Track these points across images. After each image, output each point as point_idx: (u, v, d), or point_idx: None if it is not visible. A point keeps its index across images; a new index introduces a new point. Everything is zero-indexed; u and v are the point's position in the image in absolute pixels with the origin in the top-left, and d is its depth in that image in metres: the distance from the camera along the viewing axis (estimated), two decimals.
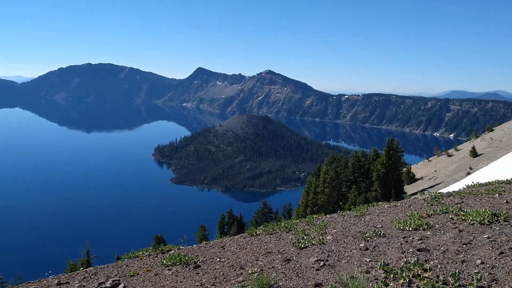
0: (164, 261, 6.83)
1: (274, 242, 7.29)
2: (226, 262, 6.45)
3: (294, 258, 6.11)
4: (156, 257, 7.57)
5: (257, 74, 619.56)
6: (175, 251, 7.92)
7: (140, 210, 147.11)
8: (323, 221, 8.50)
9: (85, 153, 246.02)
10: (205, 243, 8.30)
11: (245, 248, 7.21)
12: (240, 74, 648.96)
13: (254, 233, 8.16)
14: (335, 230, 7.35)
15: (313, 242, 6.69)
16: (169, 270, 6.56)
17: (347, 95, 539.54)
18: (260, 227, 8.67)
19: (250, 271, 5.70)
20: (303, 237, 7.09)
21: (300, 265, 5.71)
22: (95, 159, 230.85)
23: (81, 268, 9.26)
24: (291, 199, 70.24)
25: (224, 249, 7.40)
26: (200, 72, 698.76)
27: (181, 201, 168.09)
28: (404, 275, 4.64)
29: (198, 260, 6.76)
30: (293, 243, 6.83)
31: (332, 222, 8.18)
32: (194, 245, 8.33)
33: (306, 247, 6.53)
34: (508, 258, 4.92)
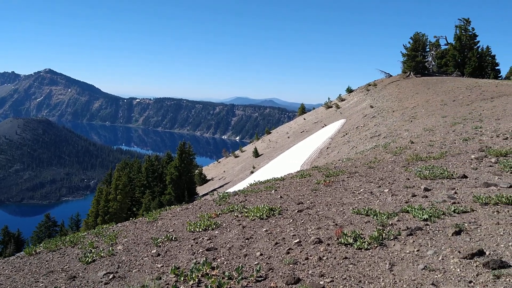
0: None
1: (57, 259, 6.58)
2: None
3: (80, 274, 5.63)
4: None
5: (34, 73, 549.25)
6: None
7: None
8: (113, 230, 8.11)
9: None
10: None
11: (22, 270, 6.31)
12: (13, 72, 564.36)
13: (33, 252, 7.21)
14: (126, 239, 7.09)
15: (102, 254, 6.29)
16: None
17: (139, 99, 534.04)
18: (41, 244, 7.74)
19: None
20: (91, 250, 6.60)
21: (87, 281, 5.29)
22: None
23: None
24: (79, 209, 65.47)
25: None
26: None
27: None
28: (193, 276, 4.78)
29: None
30: (79, 258, 6.28)
31: (123, 230, 7.87)
32: None
33: (94, 260, 6.09)
34: (281, 247, 5.58)
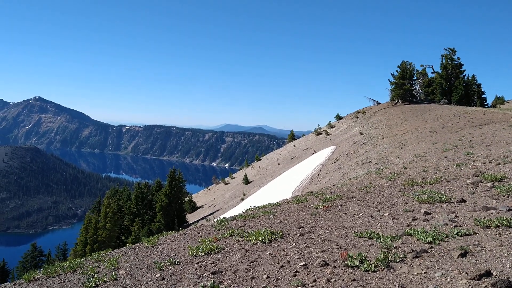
0: None
1: (58, 285, 6.46)
2: None
3: None
4: None
5: (24, 100, 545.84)
6: None
7: None
8: (113, 256, 8.00)
9: None
10: None
11: None
12: (1, 100, 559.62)
13: (32, 278, 7.07)
14: (127, 264, 7.00)
15: (105, 279, 6.20)
16: None
17: (128, 126, 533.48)
18: (40, 271, 7.59)
19: None
20: (93, 275, 6.51)
21: None
22: None
23: None
24: (66, 238, 64.33)
25: None
26: None
27: None
28: None
29: None
30: (82, 283, 6.18)
31: (123, 256, 7.78)
32: None
33: (97, 285, 6.00)
34: (287, 270, 5.57)
